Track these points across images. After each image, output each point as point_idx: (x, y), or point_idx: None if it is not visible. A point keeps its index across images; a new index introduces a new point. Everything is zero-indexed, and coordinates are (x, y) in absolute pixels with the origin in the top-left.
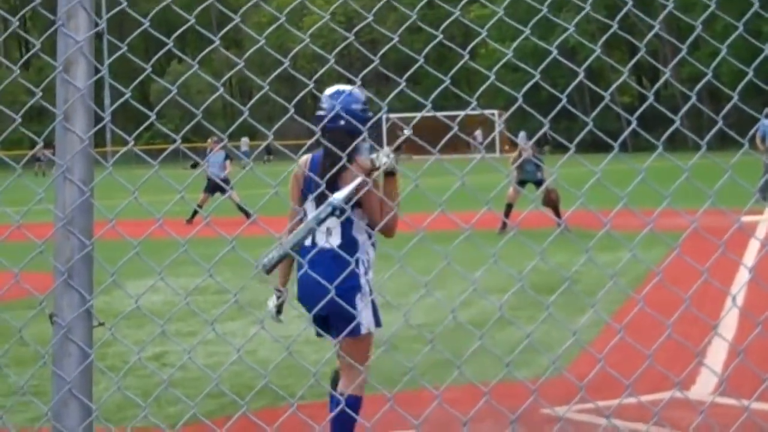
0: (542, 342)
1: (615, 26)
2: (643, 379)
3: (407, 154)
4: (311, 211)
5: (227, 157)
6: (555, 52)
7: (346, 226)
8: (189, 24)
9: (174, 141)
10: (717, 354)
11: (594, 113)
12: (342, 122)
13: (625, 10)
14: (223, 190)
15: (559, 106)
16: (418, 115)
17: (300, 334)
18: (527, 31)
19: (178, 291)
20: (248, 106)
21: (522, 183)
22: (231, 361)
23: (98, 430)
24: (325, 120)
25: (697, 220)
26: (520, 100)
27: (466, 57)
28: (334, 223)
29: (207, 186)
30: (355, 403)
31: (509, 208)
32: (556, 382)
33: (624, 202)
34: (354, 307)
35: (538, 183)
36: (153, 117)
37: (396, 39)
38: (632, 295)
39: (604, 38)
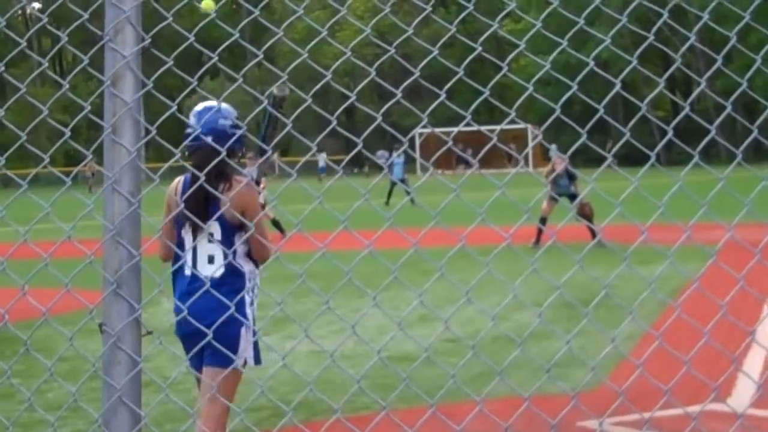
0: (580, 356)
1: (651, 38)
2: (680, 389)
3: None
4: (188, 238)
5: (262, 173)
6: (592, 63)
7: (229, 255)
8: (233, 38)
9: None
10: (754, 363)
11: (630, 124)
12: (209, 140)
13: (661, 21)
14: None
15: (596, 118)
16: (454, 129)
17: (336, 349)
18: (564, 43)
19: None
20: (291, 118)
21: (557, 196)
22: (273, 371)
23: None
24: (189, 139)
25: (733, 229)
26: (558, 111)
27: (505, 69)
28: (217, 250)
29: None
30: None
31: (543, 222)
32: (593, 394)
33: (661, 211)
34: (237, 338)
35: (572, 196)
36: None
37: (435, 52)
38: (670, 303)
39: (639, 50)
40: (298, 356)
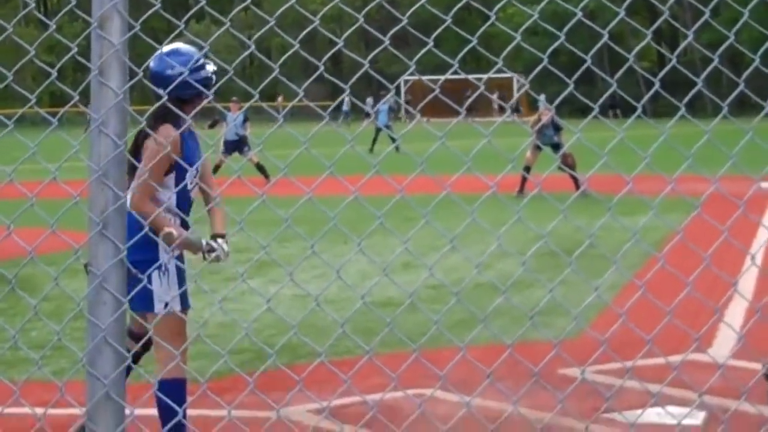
0: (562, 304)
1: None
2: (662, 339)
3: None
4: None
5: (246, 118)
6: (579, 14)
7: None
8: None
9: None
10: (736, 315)
11: (618, 75)
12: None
13: None
14: (240, 150)
15: (583, 68)
16: (441, 77)
17: (321, 293)
18: None
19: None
20: (278, 63)
21: (541, 146)
22: (256, 314)
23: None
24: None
25: (717, 181)
26: (546, 61)
27: (493, 18)
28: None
29: (224, 147)
30: (168, 387)
31: (527, 170)
32: (575, 342)
33: (646, 162)
34: (149, 281)
35: (556, 146)
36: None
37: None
38: (654, 254)
39: (627, 2)
40: (282, 299)
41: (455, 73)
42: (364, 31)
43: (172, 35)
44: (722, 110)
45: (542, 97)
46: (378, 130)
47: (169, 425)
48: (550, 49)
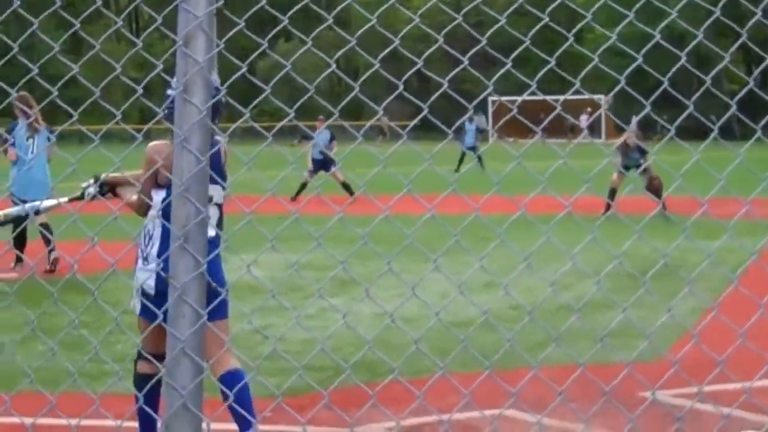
0: (637, 326)
1: (717, 12)
2: (738, 362)
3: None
4: None
5: (333, 136)
6: (658, 36)
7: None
8: (305, 1)
9: (280, 119)
10: None
11: (694, 96)
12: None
13: None
14: (327, 168)
15: (661, 89)
16: (521, 98)
17: (396, 309)
18: (631, 16)
19: (284, 264)
20: (359, 82)
21: (626, 168)
22: (333, 330)
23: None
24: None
25: None
26: (623, 83)
27: (571, 39)
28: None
29: (313, 166)
30: (231, 378)
31: (613, 193)
32: (653, 365)
33: (722, 184)
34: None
35: (643, 170)
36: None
37: (503, 21)
38: (731, 277)
39: (707, 23)
40: (361, 317)
41: (534, 93)
42: (451, 52)
43: (256, 53)
44: None
45: (634, 120)
46: (464, 152)
47: (241, 410)
48: (628, 70)
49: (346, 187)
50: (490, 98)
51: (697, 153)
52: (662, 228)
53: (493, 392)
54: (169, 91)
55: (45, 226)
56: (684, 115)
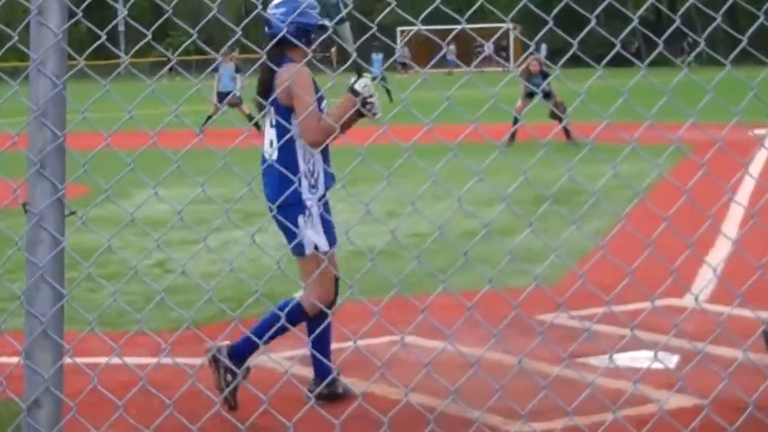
0: (544, 251)
1: None
2: (643, 282)
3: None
4: (264, 122)
5: (237, 69)
6: None
7: (282, 138)
8: None
9: (187, 53)
10: (716, 259)
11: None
12: (270, 29)
13: None
14: (232, 102)
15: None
16: (435, 27)
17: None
18: None
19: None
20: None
21: (530, 95)
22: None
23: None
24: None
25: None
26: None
27: None
28: (274, 134)
29: (217, 98)
30: (291, 307)
31: (516, 120)
32: (556, 288)
33: (624, 98)
34: (296, 225)
35: (546, 95)
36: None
37: None
38: (640, 198)
39: None
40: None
41: (450, 21)
42: None
43: None
44: (718, 60)
45: (543, 47)
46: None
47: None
48: None
49: (252, 119)
50: (399, 28)
51: (601, 68)
52: (570, 153)
53: (395, 319)
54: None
55: None
56: (586, 30)
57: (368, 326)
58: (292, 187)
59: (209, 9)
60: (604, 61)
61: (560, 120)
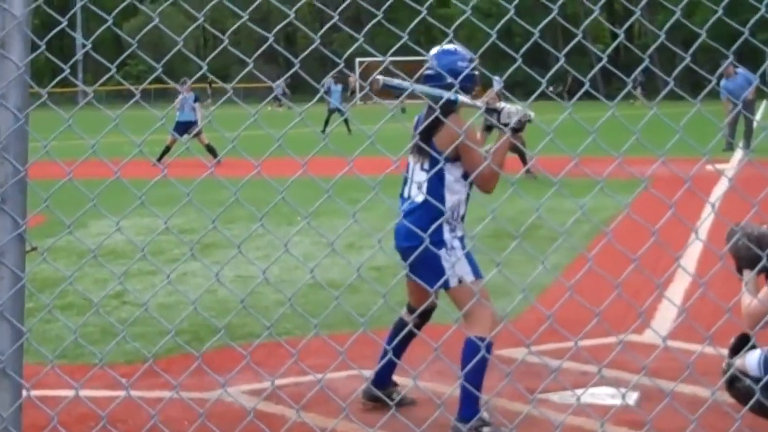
0: (505, 285)
1: None
2: (606, 317)
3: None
4: (411, 163)
5: (197, 99)
6: None
7: (434, 183)
8: None
9: (146, 82)
10: (677, 295)
11: (565, 50)
12: (439, 81)
13: None
14: (190, 132)
15: (531, 41)
16: (393, 59)
17: (267, 268)
18: None
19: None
20: (227, 35)
21: (488, 128)
22: (197, 295)
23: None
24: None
25: (665, 155)
26: (494, 36)
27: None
28: (423, 178)
29: (175, 128)
30: (471, 345)
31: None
32: (516, 322)
33: (593, 137)
34: (436, 260)
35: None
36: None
37: None
38: (603, 230)
39: None
40: (225, 280)
41: (409, 53)
42: (319, 13)
43: (120, 6)
44: (674, 91)
45: (497, 79)
46: (330, 112)
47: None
48: (498, 26)
49: (211, 150)
50: (358, 59)
51: (570, 105)
52: (531, 186)
53: (358, 353)
54: (427, 72)
55: None
56: (555, 68)
57: (334, 364)
58: (434, 226)
59: (169, 38)
60: (572, 101)
61: (521, 153)
